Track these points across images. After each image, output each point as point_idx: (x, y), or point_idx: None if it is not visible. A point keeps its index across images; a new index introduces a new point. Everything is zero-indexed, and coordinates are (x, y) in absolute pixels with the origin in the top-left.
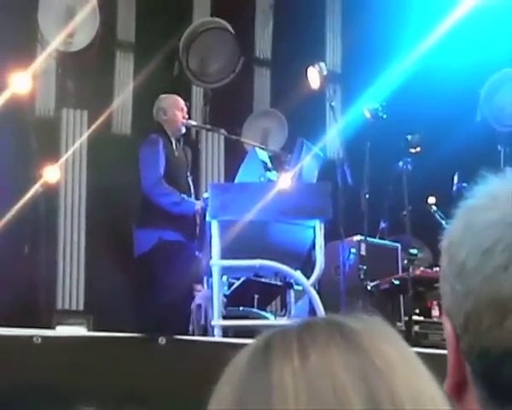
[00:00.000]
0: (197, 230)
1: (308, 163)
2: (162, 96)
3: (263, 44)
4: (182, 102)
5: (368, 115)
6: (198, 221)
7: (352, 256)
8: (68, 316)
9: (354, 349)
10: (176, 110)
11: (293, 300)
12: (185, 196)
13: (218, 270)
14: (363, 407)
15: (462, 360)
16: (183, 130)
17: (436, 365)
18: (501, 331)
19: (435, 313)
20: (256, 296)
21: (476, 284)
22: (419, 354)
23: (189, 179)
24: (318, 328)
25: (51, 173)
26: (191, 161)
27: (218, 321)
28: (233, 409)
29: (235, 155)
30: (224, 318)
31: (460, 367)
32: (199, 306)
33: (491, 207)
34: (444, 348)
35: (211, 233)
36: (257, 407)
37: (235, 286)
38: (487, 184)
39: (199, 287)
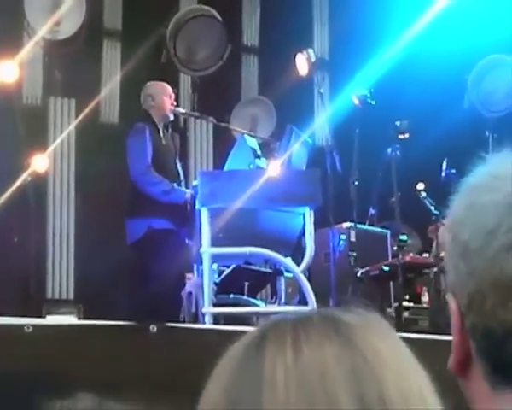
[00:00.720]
0: (188, 217)
1: (297, 150)
2: (149, 82)
3: (250, 32)
4: (170, 89)
5: (356, 102)
6: (188, 209)
7: (341, 243)
8: (58, 305)
9: (347, 345)
10: (164, 96)
11: (283, 287)
12: (175, 185)
13: (208, 258)
14: (352, 404)
15: (467, 337)
16: (171, 117)
17: (426, 350)
18: (504, 312)
19: (425, 298)
20: (246, 284)
21: (479, 264)
22: (408, 339)
23: (178, 166)
24: (313, 322)
25: (39, 162)
26: (180, 148)
27: (208, 309)
28: (224, 399)
29: (223, 143)
30: (215, 305)
31: (464, 345)
32: (189, 294)
33: (493, 187)
34: (432, 334)
35: (200, 221)
36: (247, 399)
37: (225, 274)
38: (489, 163)
39: (189, 275)
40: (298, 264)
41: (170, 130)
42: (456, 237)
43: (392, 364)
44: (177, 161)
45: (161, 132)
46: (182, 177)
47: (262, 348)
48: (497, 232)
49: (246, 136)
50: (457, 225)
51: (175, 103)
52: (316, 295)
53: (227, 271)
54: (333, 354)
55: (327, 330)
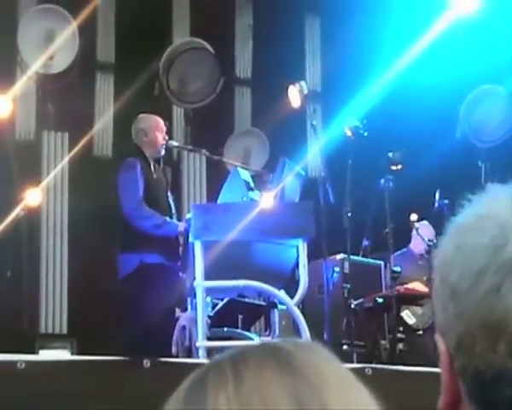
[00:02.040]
0: (180, 251)
1: (290, 182)
2: (141, 116)
3: (243, 64)
4: (162, 123)
5: (349, 133)
6: (181, 242)
7: (335, 275)
8: (51, 340)
9: (287, 369)
10: (157, 132)
11: (277, 319)
12: (167, 218)
13: (201, 291)
14: None
15: (456, 378)
16: (163, 152)
17: (420, 382)
18: (494, 355)
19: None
20: (240, 317)
21: (468, 306)
22: (403, 372)
23: (170, 200)
24: (251, 353)
25: (33, 197)
26: (172, 181)
27: (202, 342)
28: None
29: (217, 175)
30: (209, 339)
31: (454, 385)
32: (183, 327)
33: (480, 228)
34: (427, 366)
35: (194, 254)
36: None
37: (218, 307)
38: (477, 202)
39: (177, 311)
40: (291, 296)
41: (162, 164)
42: (444, 279)
43: (334, 382)
44: (169, 194)
45: (152, 167)
46: (174, 210)
47: (204, 382)
48: (485, 274)
49: (239, 168)
50: (445, 266)
51: (167, 137)
52: (309, 327)
53: (221, 304)
54: (274, 380)
55: (265, 358)
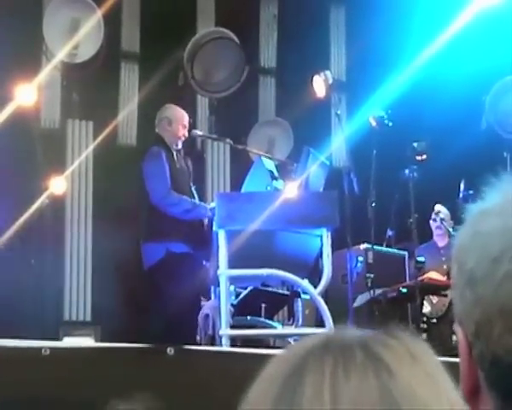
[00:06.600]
0: (205, 239)
1: (314, 172)
2: (168, 105)
3: (267, 54)
4: (187, 119)
5: (373, 123)
6: (205, 231)
7: (359, 264)
8: (75, 327)
9: (387, 394)
10: (180, 125)
11: (300, 309)
12: (196, 202)
13: (225, 280)
14: None
15: (475, 366)
16: (180, 146)
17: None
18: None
19: None
20: (263, 305)
21: (486, 292)
22: None
23: (193, 189)
24: (355, 360)
25: (57, 185)
26: (196, 170)
27: (225, 331)
28: None
29: (241, 165)
30: (232, 327)
31: (473, 374)
32: (206, 316)
33: (497, 214)
34: (451, 356)
35: (218, 243)
36: None
37: (242, 295)
38: (494, 189)
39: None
40: (315, 286)
41: (182, 153)
42: (461, 266)
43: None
44: (191, 184)
45: (175, 156)
46: (197, 200)
47: (300, 384)
48: (502, 259)
49: (263, 157)
50: (463, 253)
51: (187, 134)
52: (333, 316)
53: (244, 293)
54: (371, 402)
55: (367, 373)
